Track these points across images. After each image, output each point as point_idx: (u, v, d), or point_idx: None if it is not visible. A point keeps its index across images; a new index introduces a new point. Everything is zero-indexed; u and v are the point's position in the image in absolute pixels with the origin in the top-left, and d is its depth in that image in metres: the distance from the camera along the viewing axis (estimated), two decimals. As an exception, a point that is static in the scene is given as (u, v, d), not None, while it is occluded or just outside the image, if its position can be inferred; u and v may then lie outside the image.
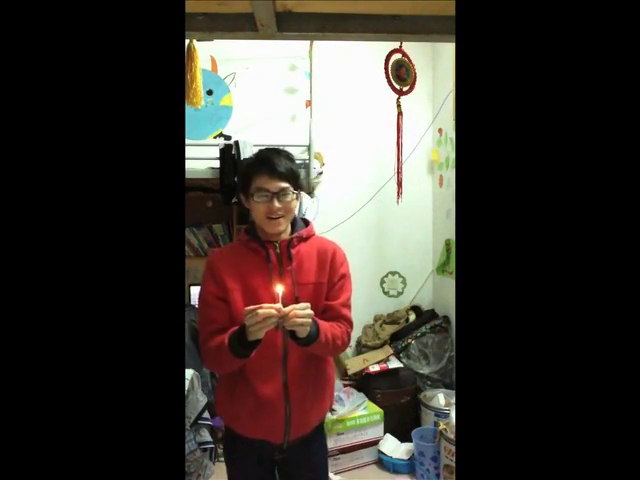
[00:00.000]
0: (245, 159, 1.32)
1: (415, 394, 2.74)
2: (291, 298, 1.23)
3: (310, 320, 1.13)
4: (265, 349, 1.19)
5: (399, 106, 2.19)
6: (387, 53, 2.14)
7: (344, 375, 2.91)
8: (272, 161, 1.24)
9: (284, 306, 1.12)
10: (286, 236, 1.32)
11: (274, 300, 1.13)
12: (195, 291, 3.16)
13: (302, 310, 1.11)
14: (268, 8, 1.15)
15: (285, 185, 1.24)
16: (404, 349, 2.90)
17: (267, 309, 1.08)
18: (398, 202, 2.40)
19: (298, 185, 1.30)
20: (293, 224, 1.37)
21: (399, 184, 2.41)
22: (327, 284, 1.31)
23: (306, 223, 1.41)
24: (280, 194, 1.24)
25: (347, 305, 1.35)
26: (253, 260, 1.29)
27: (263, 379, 1.25)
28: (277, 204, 1.24)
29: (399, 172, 2.38)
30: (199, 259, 3.14)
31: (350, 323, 1.35)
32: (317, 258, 1.32)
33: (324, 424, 1.44)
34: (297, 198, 1.30)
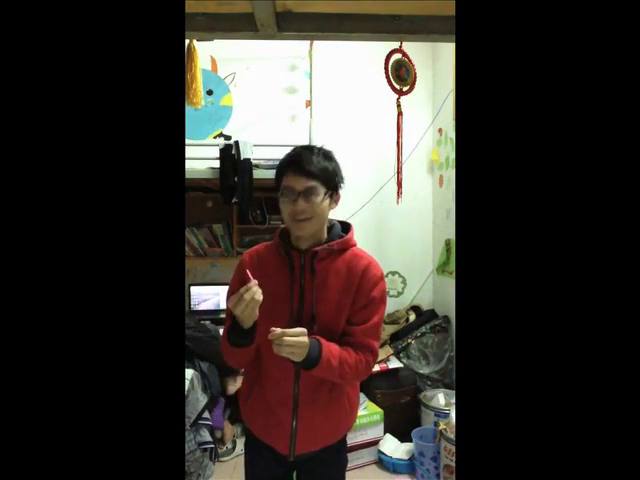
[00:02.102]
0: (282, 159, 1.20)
1: (415, 394, 2.74)
2: (308, 316, 1.16)
3: (302, 350, 1.06)
4: (279, 363, 1.13)
5: (399, 106, 2.20)
6: (387, 53, 2.14)
7: (344, 375, 2.91)
8: (301, 158, 1.15)
9: (299, 324, 1.09)
10: (318, 243, 1.20)
11: (291, 314, 1.15)
12: (195, 291, 3.15)
13: (293, 337, 1.05)
14: (268, 8, 1.15)
15: (313, 184, 1.13)
16: (404, 349, 2.90)
17: (251, 291, 1.05)
18: (398, 202, 2.40)
19: (333, 185, 1.18)
20: (330, 231, 1.25)
21: (399, 184, 2.41)
22: (351, 306, 1.19)
23: (346, 230, 1.27)
24: (307, 193, 1.13)
25: (372, 333, 1.21)
26: (278, 266, 1.21)
27: (275, 391, 1.21)
28: (302, 204, 1.13)
29: (399, 172, 2.38)
30: (199, 259, 3.14)
31: (372, 352, 1.21)
32: (345, 275, 1.19)
33: (343, 444, 1.35)
34: (332, 200, 1.19)
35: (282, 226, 1.28)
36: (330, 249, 1.19)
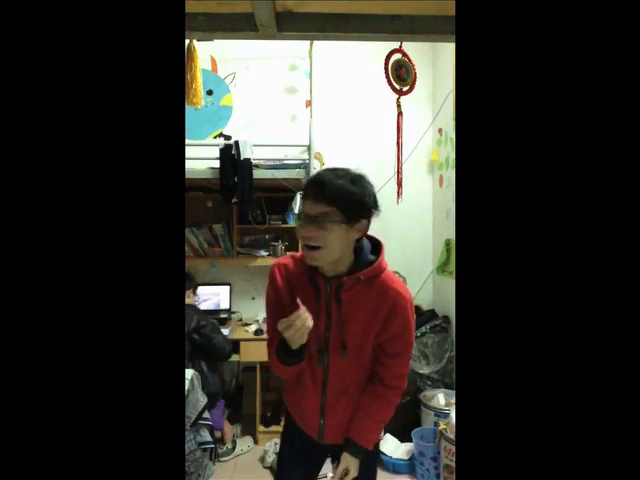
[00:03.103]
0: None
1: (415, 394, 2.74)
2: (337, 344, 1.17)
3: (304, 329, 1.07)
4: (311, 375, 1.22)
5: (399, 106, 2.19)
6: (387, 53, 2.14)
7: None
8: (321, 180, 1.05)
9: (327, 352, 1.17)
10: (344, 270, 1.13)
11: (319, 342, 1.18)
12: (200, 291, 3.13)
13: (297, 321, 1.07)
14: (268, 8, 1.15)
15: (326, 209, 1.03)
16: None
17: (302, 318, 1.05)
18: (398, 202, 2.40)
19: (356, 213, 1.06)
20: (359, 254, 1.15)
21: (399, 184, 2.41)
22: (379, 333, 1.17)
23: (376, 251, 1.18)
24: (318, 219, 1.03)
25: (400, 375, 1.23)
26: (306, 288, 1.16)
27: (303, 392, 1.26)
28: (311, 230, 1.04)
29: (399, 172, 2.38)
30: (199, 259, 3.14)
31: (401, 389, 1.24)
32: (373, 304, 1.14)
33: (376, 452, 1.38)
34: (355, 229, 1.08)
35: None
36: (357, 279, 1.11)
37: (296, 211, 2.88)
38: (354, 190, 1.06)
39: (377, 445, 1.37)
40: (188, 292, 2.68)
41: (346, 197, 1.04)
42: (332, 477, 1.16)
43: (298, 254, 1.22)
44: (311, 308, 1.09)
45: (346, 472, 1.21)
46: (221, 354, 2.51)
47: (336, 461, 1.29)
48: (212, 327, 2.48)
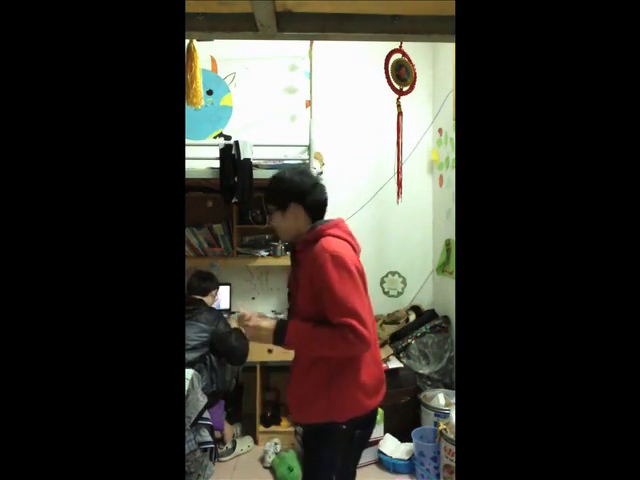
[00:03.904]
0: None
1: (415, 394, 2.74)
2: (294, 304, 1.40)
3: (266, 332, 1.35)
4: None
5: (399, 106, 2.19)
6: (387, 53, 2.14)
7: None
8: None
9: (294, 309, 1.39)
10: None
11: (292, 297, 1.40)
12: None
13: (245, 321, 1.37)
14: (268, 8, 1.15)
15: (269, 207, 1.49)
16: (404, 349, 2.90)
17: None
18: (398, 202, 2.40)
19: (282, 204, 1.44)
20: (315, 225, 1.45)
21: (399, 184, 2.41)
22: (317, 292, 1.34)
23: (323, 223, 1.45)
24: (270, 213, 1.50)
25: (340, 310, 1.30)
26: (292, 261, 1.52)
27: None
28: (271, 222, 1.51)
29: (399, 172, 2.38)
30: (199, 259, 3.14)
31: (347, 326, 1.29)
32: (310, 263, 1.36)
33: (316, 433, 1.40)
34: (285, 211, 1.44)
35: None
36: (305, 240, 1.39)
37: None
38: (280, 184, 1.45)
39: (318, 430, 1.38)
40: (212, 292, 2.68)
41: (272, 193, 1.47)
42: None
43: None
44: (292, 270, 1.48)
45: (247, 318, 1.39)
46: (242, 360, 2.51)
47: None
48: (236, 336, 2.49)
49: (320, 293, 1.32)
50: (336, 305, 1.30)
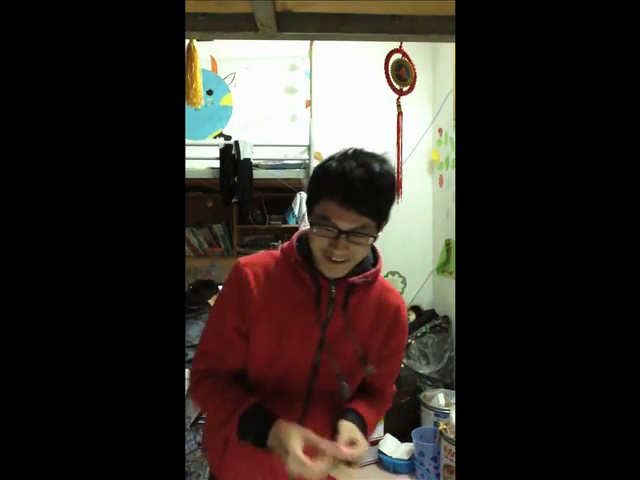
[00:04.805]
0: (325, 160, 0.88)
1: (415, 394, 2.74)
2: (328, 372, 0.92)
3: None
4: (281, 406, 0.90)
5: (399, 106, 2.19)
6: (387, 53, 2.14)
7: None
8: (354, 184, 0.80)
9: (314, 388, 0.91)
10: (346, 271, 0.90)
11: (315, 362, 0.91)
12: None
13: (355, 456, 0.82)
14: (268, 8, 1.15)
15: (363, 222, 0.82)
16: (404, 349, 2.90)
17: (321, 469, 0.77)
18: (398, 202, 2.40)
19: (386, 217, 0.88)
20: None
21: (399, 184, 2.41)
22: (377, 349, 0.98)
23: (375, 256, 0.97)
24: (352, 234, 0.83)
25: (394, 377, 1.07)
26: (297, 294, 0.92)
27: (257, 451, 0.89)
28: (343, 246, 0.83)
29: (399, 172, 2.38)
30: (199, 259, 3.14)
31: (392, 396, 1.07)
32: (375, 313, 0.96)
33: None
34: (376, 237, 0.87)
35: (297, 233, 0.97)
36: (366, 281, 0.92)
37: (296, 212, 2.88)
38: (393, 196, 0.88)
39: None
40: (214, 297, 2.71)
41: (382, 202, 0.85)
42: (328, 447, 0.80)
43: (276, 252, 0.98)
44: (306, 317, 0.91)
45: (352, 442, 0.84)
46: None
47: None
48: None
49: (391, 355, 1.00)
50: (397, 371, 1.06)
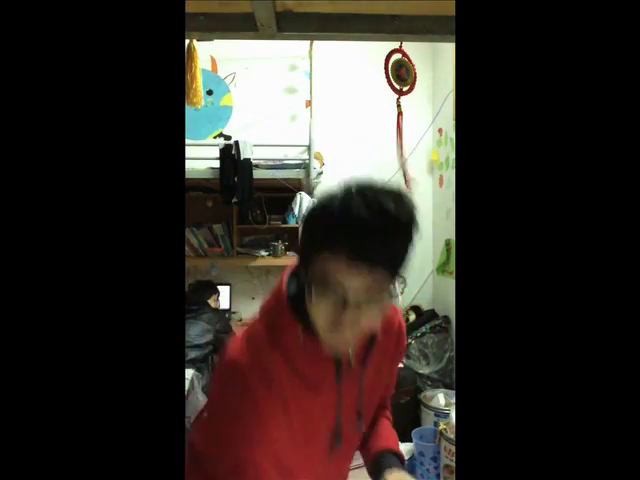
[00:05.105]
0: (323, 200, 0.67)
1: (415, 394, 2.74)
2: (352, 414, 0.83)
3: None
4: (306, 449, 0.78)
5: (399, 106, 2.19)
6: (387, 53, 2.14)
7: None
8: (365, 229, 0.62)
9: (336, 423, 0.79)
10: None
11: (338, 426, 0.80)
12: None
13: None
14: (268, 8, 1.15)
15: (378, 276, 0.64)
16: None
17: None
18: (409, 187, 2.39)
19: (404, 263, 0.68)
20: None
21: (407, 183, 2.41)
22: (387, 371, 0.91)
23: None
24: (365, 298, 0.65)
25: (394, 384, 1.02)
26: (310, 364, 0.74)
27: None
28: (354, 313, 0.65)
29: (405, 174, 2.38)
30: (199, 259, 3.14)
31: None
32: (382, 338, 0.81)
33: None
34: (393, 295, 0.69)
35: (285, 278, 0.78)
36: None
37: (296, 212, 2.88)
38: (413, 237, 0.67)
39: None
40: (213, 297, 2.74)
41: (407, 251, 0.67)
42: None
43: (255, 324, 0.78)
44: (323, 383, 0.76)
45: None
46: None
47: None
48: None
49: (394, 366, 0.95)
50: (396, 376, 0.99)
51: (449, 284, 3.05)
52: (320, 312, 0.67)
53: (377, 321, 0.70)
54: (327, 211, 0.65)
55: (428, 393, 2.68)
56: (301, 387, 0.74)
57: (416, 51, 2.57)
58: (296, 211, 2.90)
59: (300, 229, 0.70)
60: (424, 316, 3.14)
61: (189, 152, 2.55)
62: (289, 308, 0.73)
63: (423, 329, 2.97)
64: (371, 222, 0.62)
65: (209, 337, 2.41)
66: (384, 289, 0.67)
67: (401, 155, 2.18)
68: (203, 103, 2.48)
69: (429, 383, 2.81)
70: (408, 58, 2.10)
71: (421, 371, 2.82)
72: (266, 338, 0.74)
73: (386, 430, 0.97)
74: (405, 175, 2.35)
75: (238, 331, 0.80)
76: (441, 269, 3.14)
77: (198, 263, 3.23)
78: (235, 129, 3.25)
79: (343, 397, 0.79)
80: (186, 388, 2.14)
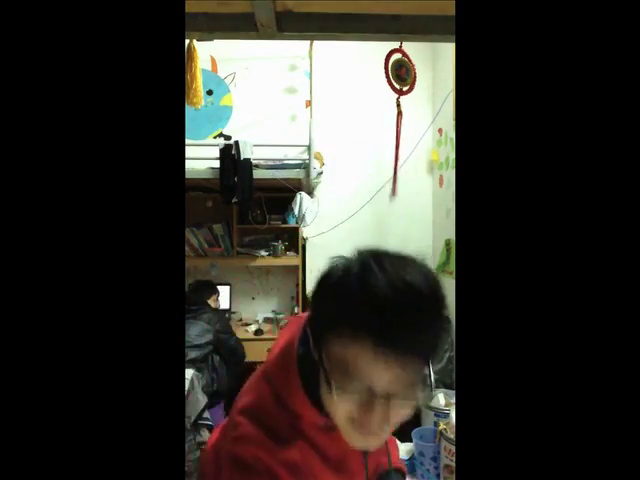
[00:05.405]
0: (336, 271, 0.57)
1: (415, 394, 2.74)
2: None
3: None
4: None
5: (399, 106, 2.20)
6: (387, 53, 2.14)
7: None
8: (393, 308, 0.53)
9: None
10: None
11: None
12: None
13: None
14: (268, 8, 1.15)
15: (408, 363, 0.56)
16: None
17: None
18: (394, 194, 2.40)
19: (438, 346, 0.62)
20: None
21: (394, 184, 2.41)
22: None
23: None
24: (395, 391, 0.56)
25: None
26: (335, 453, 0.68)
27: None
28: (381, 414, 0.56)
29: (395, 172, 2.38)
30: (199, 259, 3.14)
31: None
32: None
33: None
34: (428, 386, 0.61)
35: (292, 349, 0.68)
36: None
37: (296, 212, 2.88)
38: (443, 312, 0.61)
39: None
40: (213, 297, 2.75)
41: (440, 331, 0.61)
42: None
43: (269, 405, 0.67)
44: (352, 465, 0.70)
45: None
46: (241, 361, 2.56)
47: None
48: (236, 338, 2.55)
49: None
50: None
51: (449, 284, 3.04)
52: (343, 410, 0.58)
53: (404, 418, 0.60)
54: (344, 286, 0.56)
55: (428, 393, 2.68)
56: (330, 473, 0.67)
57: (416, 51, 2.57)
58: (296, 211, 2.90)
59: (311, 302, 0.62)
60: (424, 316, 3.13)
61: (189, 152, 2.55)
62: (305, 394, 0.62)
63: (423, 329, 2.96)
64: (395, 300, 0.53)
65: (209, 337, 2.41)
66: (417, 379, 0.58)
67: (396, 158, 2.18)
68: (203, 103, 2.48)
69: (429, 383, 2.81)
70: (408, 58, 2.10)
71: (421, 371, 2.82)
72: (285, 426, 0.64)
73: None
74: (394, 181, 2.36)
75: (239, 419, 0.69)
76: (441, 269, 3.14)
77: (198, 263, 3.23)
78: (235, 129, 3.25)
79: (370, 465, 0.74)
80: (186, 388, 2.14)
